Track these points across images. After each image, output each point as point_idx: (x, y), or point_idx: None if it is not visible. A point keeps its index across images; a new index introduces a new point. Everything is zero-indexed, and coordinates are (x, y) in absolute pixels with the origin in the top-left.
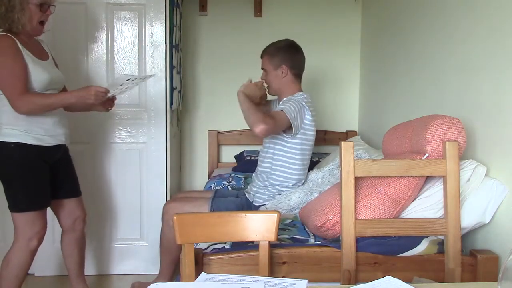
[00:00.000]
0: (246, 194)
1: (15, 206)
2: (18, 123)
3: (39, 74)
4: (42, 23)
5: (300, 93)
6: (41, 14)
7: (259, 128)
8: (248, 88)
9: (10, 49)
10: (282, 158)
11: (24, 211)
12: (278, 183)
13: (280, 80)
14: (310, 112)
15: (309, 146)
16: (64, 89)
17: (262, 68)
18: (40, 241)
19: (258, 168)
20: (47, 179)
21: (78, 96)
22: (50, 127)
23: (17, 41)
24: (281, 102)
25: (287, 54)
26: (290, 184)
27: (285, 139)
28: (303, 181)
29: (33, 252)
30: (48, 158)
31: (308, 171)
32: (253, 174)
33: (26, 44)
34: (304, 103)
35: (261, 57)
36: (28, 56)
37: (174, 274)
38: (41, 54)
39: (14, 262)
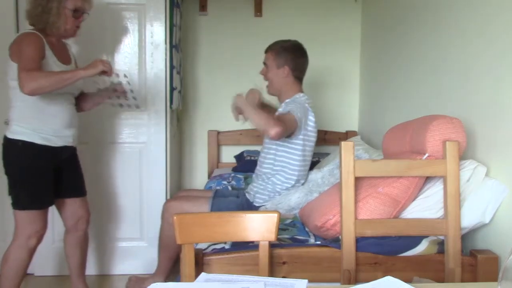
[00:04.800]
0: (246, 194)
1: (17, 203)
2: (27, 121)
3: None
4: (76, 27)
5: (301, 94)
6: (74, 20)
7: (275, 131)
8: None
9: (35, 43)
10: (284, 160)
11: (25, 209)
12: (279, 183)
13: (281, 80)
14: (313, 114)
15: (310, 147)
16: (81, 94)
17: (264, 63)
18: (39, 240)
19: (259, 168)
20: (50, 179)
21: (86, 68)
22: (59, 127)
23: (45, 41)
24: (283, 105)
25: (292, 56)
26: (289, 186)
27: (289, 140)
28: (303, 181)
29: (32, 251)
30: (54, 158)
31: (308, 172)
32: (253, 175)
33: (53, 46)
34: (307, 105)
35: (265, 51)
36: (51, 57)
37: (171, 271)
38: (64, 58)
39: (13, 259)
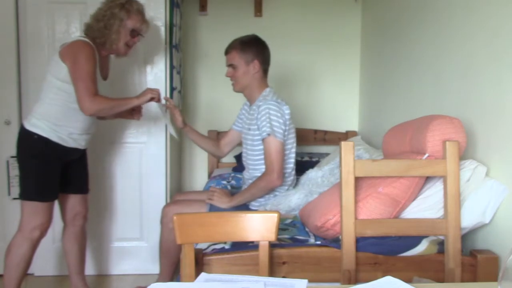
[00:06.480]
0: None
1: (25, 194)
2: (48, 119)
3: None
4: (128, 46)
5: (268, 89)
6: (129, 38)
7: (274, 185)
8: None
9: (93, 59)
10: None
11: (31, 200)
12: None
13: (251, 76)
14: (287, 107)
15: (292, 140)
16: None
17: (230, 65)
18: (42, 233)
19: (246, 173)
20: (58, 174)
21: (138, 97)
22: (76, 132)
23: (97, 55)
24: (255, 107)
25: (258, 49)
26: (286, 186)
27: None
28: (290, 181)
29: (34, 242)
30: (64, 156)
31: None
32: (244, 177)
33: (100, 59)
34: (279, 100)
35: (227, 53)
36: (97, 74)
37: (174, 276)
38: (105, 72)
39: (15, 250)
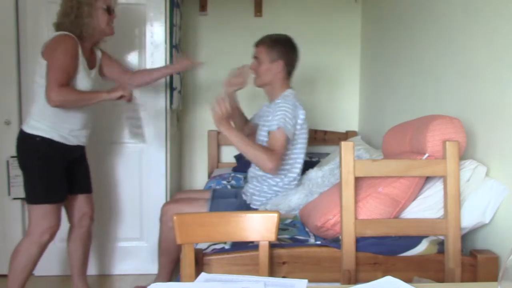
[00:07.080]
0: (243, 195)
1: (33, 198)
2: (47, 119)
3: (83, 82)
4: (109, 24)
5: (290, 90)
6: (108, 16)
7: (268, 168)
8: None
9: (71, 51)
10: None
11: (40, 203)
12: (274, 183)
13: (273, 75)
14: (303, 111)
15: (303, 144)
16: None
17: (255, 57)
18: (52, 236)
19: (253, 170)
20: (63, 174)
21: (109, 92)
22: (76, 128)
23: (79, 45)
24: (272, 105)
25: (286, 50)
26: (285, 184)
27: None
28: (297, 181)
29: (43, 246)
30: (68, 155)
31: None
32: (248, 175)
33: (85, 50)
34: (297, 103)
35: (256, 45)
36: (82, 63)
37: (172, 274)
38: (91, 62)
39: (23, 253)
